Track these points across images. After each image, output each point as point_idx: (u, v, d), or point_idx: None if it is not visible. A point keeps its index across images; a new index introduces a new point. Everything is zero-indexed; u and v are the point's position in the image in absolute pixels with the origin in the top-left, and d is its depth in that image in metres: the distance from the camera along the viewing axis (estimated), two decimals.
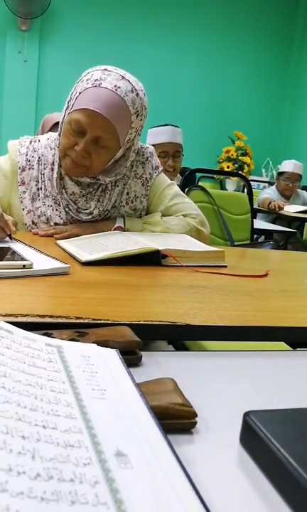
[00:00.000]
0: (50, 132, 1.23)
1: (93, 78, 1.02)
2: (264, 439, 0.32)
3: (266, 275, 0.90)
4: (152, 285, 0.79)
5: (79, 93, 1.02)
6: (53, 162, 1.13)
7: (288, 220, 3.21)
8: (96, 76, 1.02)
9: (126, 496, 0.25)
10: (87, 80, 1.03)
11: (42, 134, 1.41)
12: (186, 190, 1.98)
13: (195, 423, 0.37)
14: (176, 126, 2.30)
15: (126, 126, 1.04)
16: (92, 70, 1.06)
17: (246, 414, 0.35)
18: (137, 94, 1.03)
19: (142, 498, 0.25)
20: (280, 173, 3.64)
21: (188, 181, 2.14)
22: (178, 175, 2.45)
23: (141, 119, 1.08)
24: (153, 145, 2.33)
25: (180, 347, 1.17)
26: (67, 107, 1.06)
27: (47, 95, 4.63)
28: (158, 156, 2.23)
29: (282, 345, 0.94)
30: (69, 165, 1.06)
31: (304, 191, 3.83)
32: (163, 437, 0.30)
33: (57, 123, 2.28)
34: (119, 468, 0.27)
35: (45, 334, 0.46)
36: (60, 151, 1.09)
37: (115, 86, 1.00)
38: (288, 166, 3.60)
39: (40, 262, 0.75)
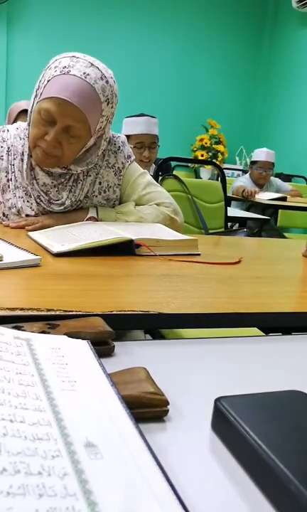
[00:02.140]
0: (19, 122, 1.20)
1: (61, 65, 0.99)
2: (234, 423, 0.33)
3: (238, 262, 0.91)
4: (125, 275, 0.78)
5: (48, 81, 1.00)
6: (23, 152, 1.10)
7: (262, 208, 3.24)
8: (64, 63, 1.00)
9: (96, 486, 0.25)
10: (55, 67, 1.00)
11: (10, 123, 1.38)
12: (160, 179, 1.97)
13: (167, 411, 0.37)
14: (152, 117, 2.20)
15: (96, 114, 1.02)
16: (59, 56, 1.03)
17: (218, 400, 0.36)
18: (107, 82, 1.02)
19: (112, 488, 0.25)
20: (253, 162, 3.65)
21: (162, 170, 2.13)
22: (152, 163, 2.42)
23: (112, 107, 1.06)
24: (128, 135, 2.22)
25: (156, 336, 1.17)
26: (36, 96, 1.03)
27: (17, 83, 4.52)
28: (134, 147, 2.14)
29: (255, 330, 0.96)
30: (40, 156, 1.04)
31: (277, 179, 3.86)
32: (134, 426, 0.30)
33: (24, 111, 2.22)
34: (89, 459, 0.27)
35: (15, 327, 0.45)
36: (30, 141, 1.06)
37: (84, 73, 0.98)
38: (261, 154, 3.60)
39: (11, 254, 0.73)
